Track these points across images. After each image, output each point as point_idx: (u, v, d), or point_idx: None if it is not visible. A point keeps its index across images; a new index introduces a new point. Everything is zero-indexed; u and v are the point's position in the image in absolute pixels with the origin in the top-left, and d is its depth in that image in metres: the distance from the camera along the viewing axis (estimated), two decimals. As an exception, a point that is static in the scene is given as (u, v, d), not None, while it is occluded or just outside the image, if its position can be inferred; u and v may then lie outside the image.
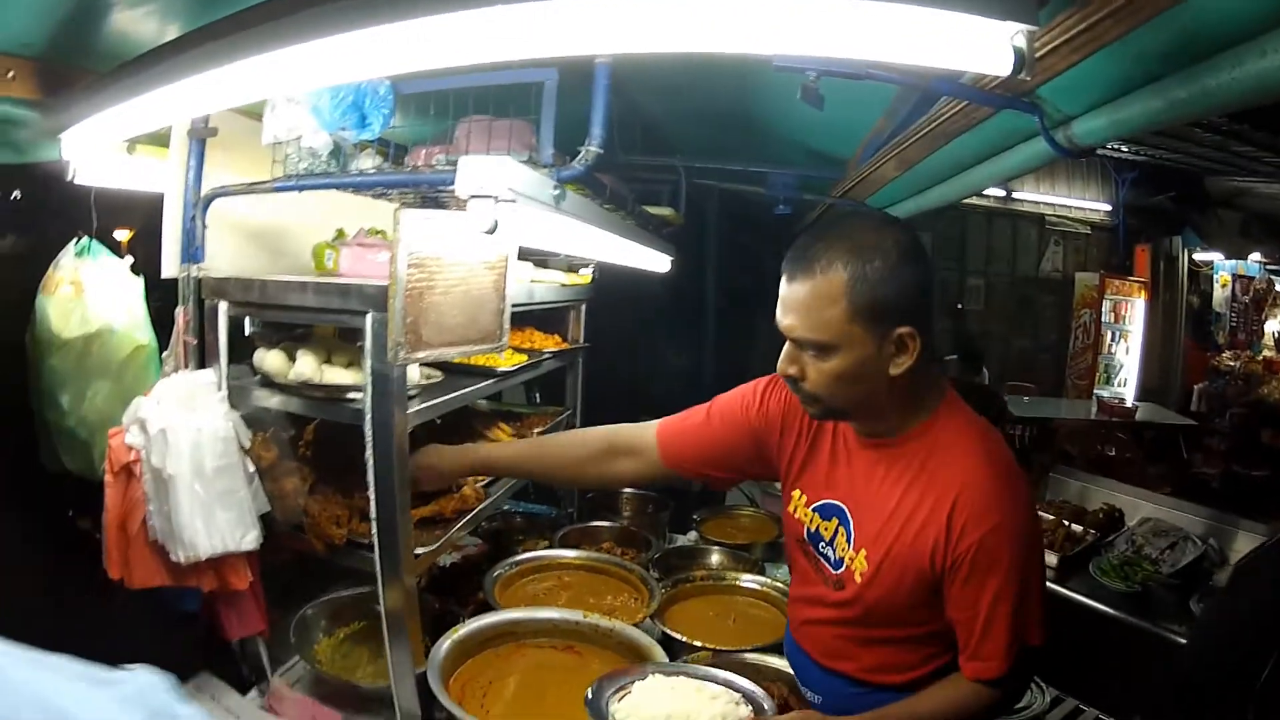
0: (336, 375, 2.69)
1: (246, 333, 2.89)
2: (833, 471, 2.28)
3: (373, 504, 2.48)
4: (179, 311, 2.80)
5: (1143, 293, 10.07)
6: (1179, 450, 7.92)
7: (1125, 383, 10.13)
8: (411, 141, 2.87)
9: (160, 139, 2.82)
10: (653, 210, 4.34)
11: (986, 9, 1.52)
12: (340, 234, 3.14)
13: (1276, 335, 11.05)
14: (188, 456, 2.45)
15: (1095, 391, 9.44)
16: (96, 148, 2.73)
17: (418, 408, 2.63)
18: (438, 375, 3.00)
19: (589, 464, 2.73)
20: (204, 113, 2.66)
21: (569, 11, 1.46)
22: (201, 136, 2.78)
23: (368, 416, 2.46)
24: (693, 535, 4.46)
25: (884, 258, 1.94)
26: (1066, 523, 4.74)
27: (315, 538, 2.65)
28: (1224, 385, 9.62)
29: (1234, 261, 10.62)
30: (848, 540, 2.18)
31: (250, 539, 2.57)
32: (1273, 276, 11.00)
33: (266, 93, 2.25)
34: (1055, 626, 2.09)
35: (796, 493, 2.37)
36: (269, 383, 2.78)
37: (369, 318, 2.40)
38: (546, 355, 3.95)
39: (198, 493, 2.45)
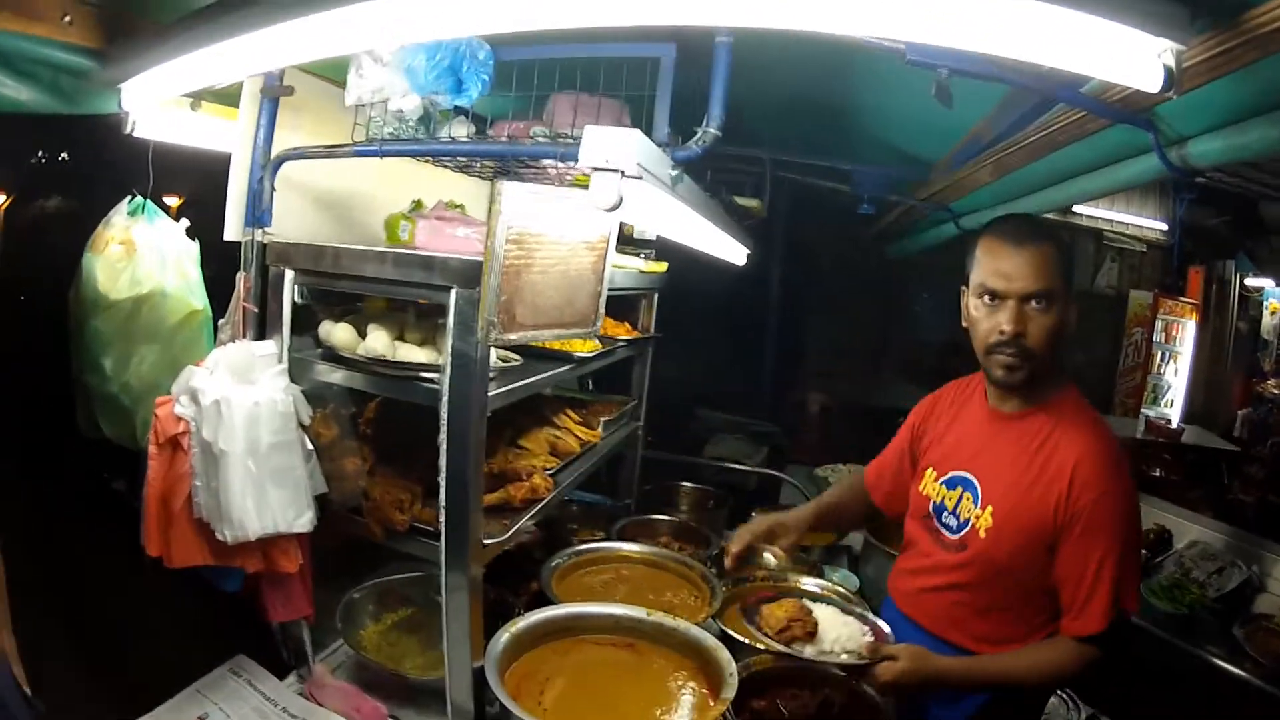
0: (411, 353, 2.53)
1: (300, 302, 2.71)
2: (963, 446, 2.49)
3: (443, 490, 2.34)
4: (240, 277, 2.66)
5: (1194, 315, 9.82)
6: (1220, 475, 7.75)
7: (1172, 404, 9.89)
8: (492, 114, 2.72)
9: (227, 97, 2.71)
10: (741, 201, 4.25)
11: (1142, 21, 1.52)
12: (418, 205, 3.00)
13: None
14: (242, 431, 2.31)
15: (1143, 410, 9.16)
16: (158, 102, 2.57)
17: (496, 391, 2.47)
18: (515, 358, 2.83)
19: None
20: (277, 67, 2.53)
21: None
22: (275, 95, 2.64)
23: (444, 398, 2.30)
24: None
25: (1066, 242, 2.34)
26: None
27: (375, 522, 2.53)
28: (1268, 413, 9.44)
29: None
30: (975, 502, 2.36)
31: (305, 520, 2.44)
32: None
33: (349, 47, 2.06)
34: (1102, 657, 2.22)
35: (929, 471, 2.56)
36: (335, 356, 2.62)
37: (453, 294, 2.24)
38: (621, 343, 3.83)
39: (250, 470, 2.31)
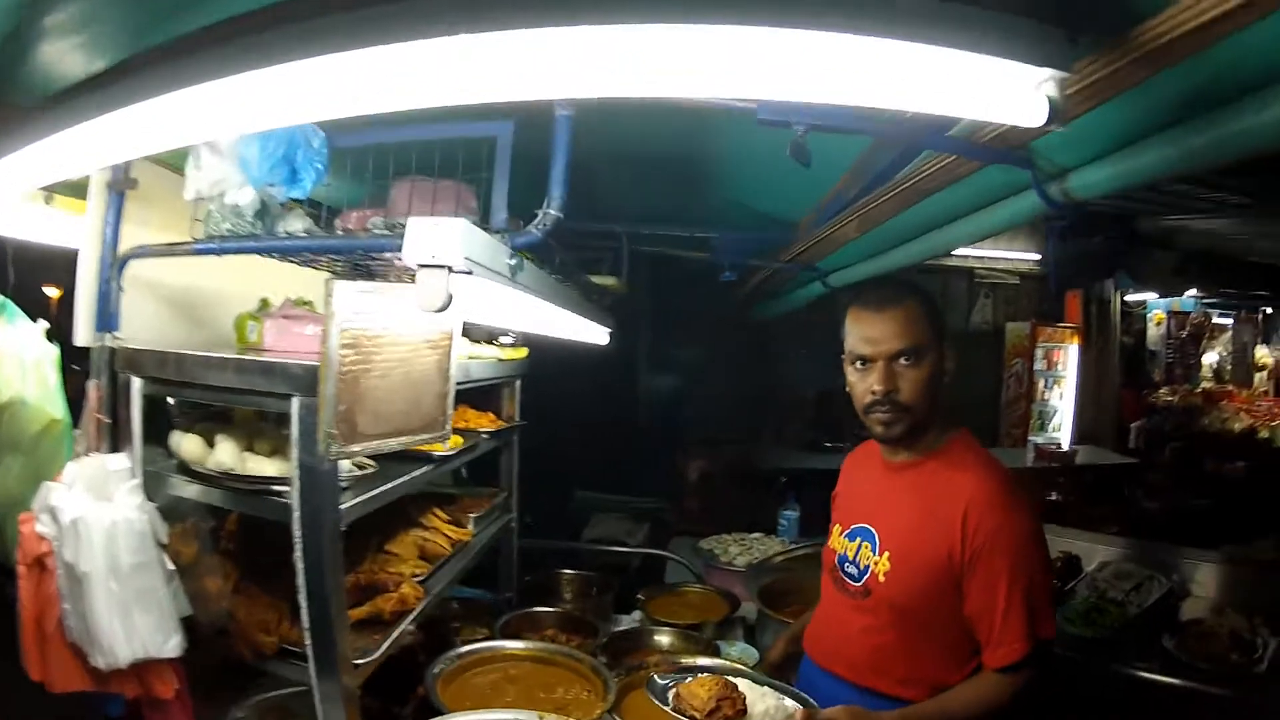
0: (260, 465, 2.34)
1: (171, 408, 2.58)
2: (862, 500, 2.53)
3: (304, 611, 2.11)
4: (90, 385, 2.47)
5: (1075, 338, 9.82)
6: (1120, 489, 7.61)
7: (1059, 428, 9.86)
8: (344, 203, 2.51)
9: (80, 189, 2.55)
10: (597, 279, 4.04)
11: (1017, 51, 1.37)
12: (265, 304, 2.79)
13: (1215, 367, 11.06)
14: (101, 552, 2.15)
15: (1030, 438, 9.09)
16: (11, 195, 2.47)
17: (351, 503, 2.24)
18: (370, 464, 2.60)
19: None
20: (123, 158, 2.32)
21: (530, 50, 1.26)
22: (121, 189, 2.48)
23: (295, 514, 2.06)
24: (637, 615, 4.00)
25: (928, 295, 2.39)
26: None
27: (243, 646, 2.31)
28: (1162, 421, 9.52)
29: (1167, 300, 10.58)
30: (872, 549, 2.36)
31: (173, 645, 2.25)
32: (1209, 310, 10.99)
33: (189, 136, 1.81)
34: (1029, 683, 2.19)
35: (836, 527, 2.58)
36: (186, 470, 2.43)
37: (295, 402, 2.02)
38: (484, 435, 3.58)
39: (114, 591, 2.15)
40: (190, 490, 2.40)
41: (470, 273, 1.54)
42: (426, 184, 2.19)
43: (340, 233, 2.26)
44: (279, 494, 2.20)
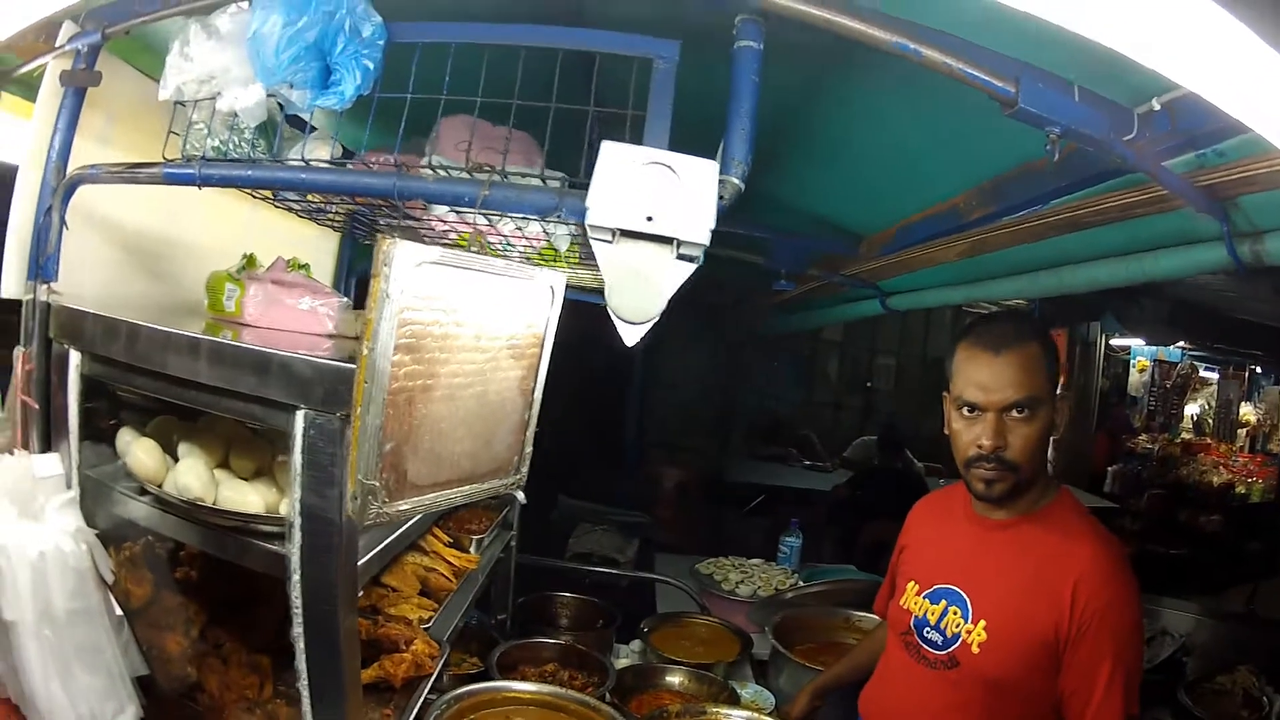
0: (238, 492, 1.65)
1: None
2: (946, 558, 2.21)
3: (305, 703, 1.51)
4: (18, 354, 1.85)
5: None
6: None
7: None
8: (363, 145, 1.73)
9: (33, 88, 1.91)
10: None
11: None
12: (250, 262, 2.08)
13: (1195, 418, 11.01)
14: (29, 594, 1.62)
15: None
16: None
17: (368, 556, 1.62)
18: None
19: None
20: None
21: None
22: (80, 84, 1.82)
23: (294, 574, 1.39)
24: (637, 645, 3.55)
25: (1049, 338, 2.11)
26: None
27: None
28: (1140, 467, 9.41)
29: (1154, 348, 10.44)
30: (964, 616, 2.07)
31: (128, 717, 1.75)
32: (1195, 362, 10.92)
33: None
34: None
35: (911, 585, 2.25)
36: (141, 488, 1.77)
37: (300, 418, 1.33)
38: None
39: (49, 641, 1.64)
40: (142, 513, 1.77)
41: (698, 261, 0.83)
42: (490, 128, 1.48)
43: (392, 168, 1.49)
44: (267, 538, 1.53)
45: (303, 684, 1.51)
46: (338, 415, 1.25)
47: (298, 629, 1.46)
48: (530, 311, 1.49)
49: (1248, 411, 10.73)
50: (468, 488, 1.45)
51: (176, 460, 1.75)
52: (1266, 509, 8.42)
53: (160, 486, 1.73)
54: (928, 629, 2.14)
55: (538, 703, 2.63)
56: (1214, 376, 10.89)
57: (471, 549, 2.86)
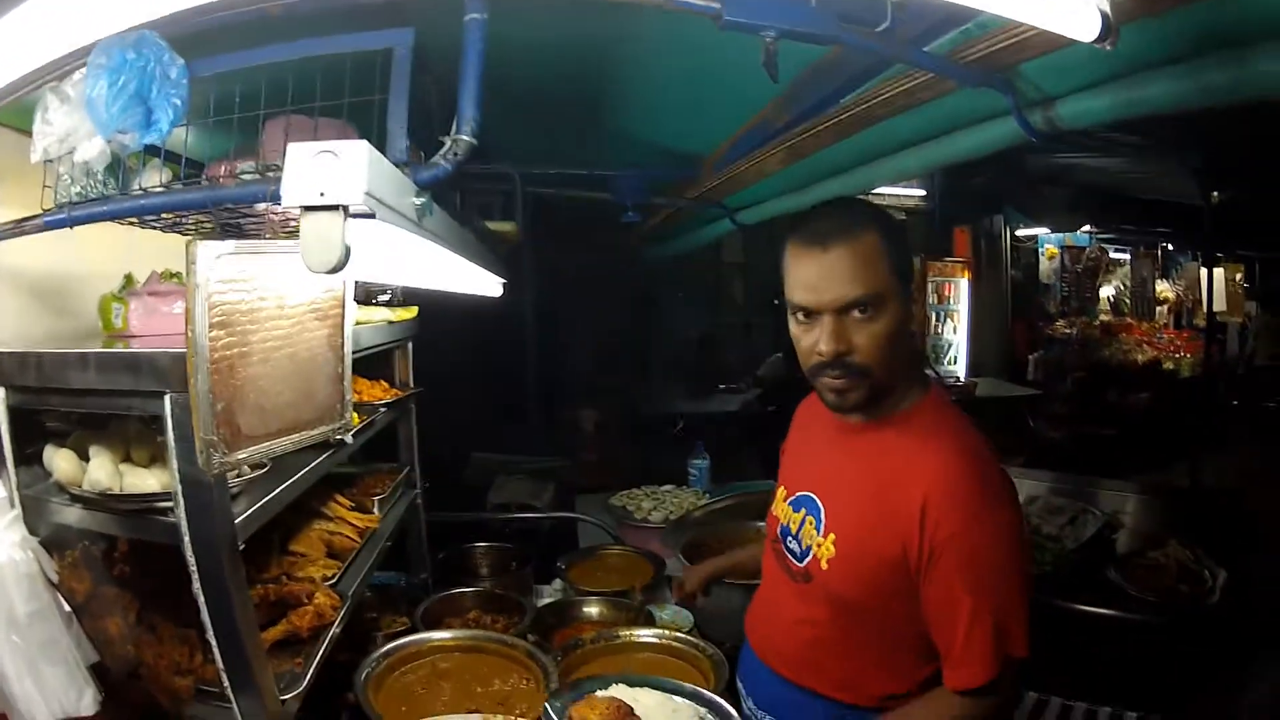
0: (139, 479, 1.81)
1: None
2: (809, 464, 2.03)
3: (216, 650, 1.68)
4: None
5: (965, 272, 9.32)
6: (1023, 420, 7.47)
7: (955, 360, 9.41)
8: (208, 156, 1.96)
9: None
10: (492, 226, 3.48)
11: None
12: (129, 281, 2.27)
13: (1112, 300, 10.85)
14: None
15: (925, 372, 8.81)
16: None
17: (246, 513, 1.74)
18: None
19: None
20: None
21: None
22: None
23: (185, 537, 1.58)
24: (559, 584, 3.58)
25: (899, 228, 1.86)
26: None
27: (158, 691, 1.89)
28: (1061, 352, 9.20)
29: (1061, 235, 10.27)
30: (816, 528, 1.88)
31: (87, 701, 1.86)
32: (1104, 246, 10.72)
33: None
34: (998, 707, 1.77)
35: (781, 490, 2.08)
36: (64, 492, 1.91)
37: (167, 401, 1.52)
38: (381, 408, 2.98)
39: (17, 645, 1.78)
40: (71, 516, 1.91)
41: (373, 215, 1.05)
42: (305, 121, 1.63)
43: (206, 185, 1.69)
44: (164, 512, 1.71)
45: (209, 634, 1.67)
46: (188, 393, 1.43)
47: (196, 584, 1.62)
48: (325, 278, 1.63)
49: (1164, 289, 10.76)
50: (297, 435, 1.65)
51: (88, 464, 1.88)
52: (1196, 383, 8.33)
53: (79, 487, 1.84)
54: (790, 538, 1.99)
55: (460, 648, 2.68)
56: (1125, 258, 10.81)
57: (374, 510, 2.88)
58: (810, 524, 1.89)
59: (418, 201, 1.32)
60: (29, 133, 1.95)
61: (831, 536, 1.82)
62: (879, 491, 1.77)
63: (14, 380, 1.88)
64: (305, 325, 1.61)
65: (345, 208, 1.03)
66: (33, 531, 1.89)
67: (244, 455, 1.45)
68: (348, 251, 1.05)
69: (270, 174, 1.49)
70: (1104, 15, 1.30)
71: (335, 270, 1.04)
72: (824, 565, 1.82)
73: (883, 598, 1.76)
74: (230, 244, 1.35)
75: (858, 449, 1.87)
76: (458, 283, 2.91)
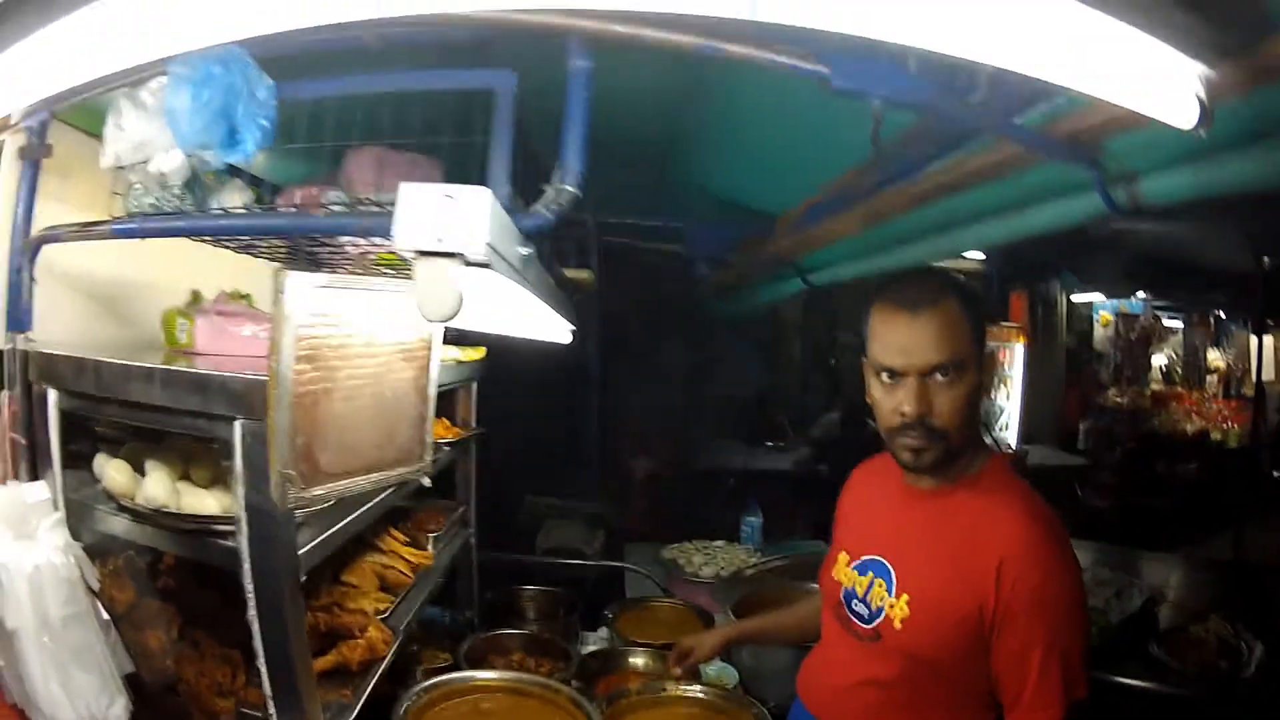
0: (197, 499, 1.83)
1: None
2: (874, 529, 2.04)
3: (265, 678, 1.68)
4: (3, 398, 2.01)
5: (1020, 337, 9.02)
6: (1071, 489, 7.35)
7: (1006, 427, 9.44)
8: (287, 180, 1.96)
9: None
10: (569, 273, 3.47)
11: (1180, 39, 1.20)
12: (196, 297, 2.28)
13: (1164, 369, 10.62)
14: (29, 604, 1.75)
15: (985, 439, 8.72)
16: None
17: (309, 546, 1.74)
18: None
19: None
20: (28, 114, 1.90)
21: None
22: (35, 157, 1.99)
23: (245, 564, 1.58)
24: (604, 632, 3.54)
25: (974, 293, 1.98)
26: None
27: (196, 710, 1.91)
28: (1111, 422, 9.01)
29: (1115, 301, 10.01)
30: (888, 589, 1.90)
31: (118, 710, 1.86)
32: (1158, 313, 10.44)
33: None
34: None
35: (842, 555, 2.08)
36: (114, 502, 1.93)
37: (239, 428, 1.52)
38: (444, 447, 3.00)
39: (48, 648, 1.77)
40: (119, 526, 1.94)
41: (488, 265, 1.02)
42: (395, 156, 1.66)
43: (292, 210, 1.70)
44: (223, 535, 1.72)
45: (260, 661, 1.66)
46: (264, 421, 1.43)
47: (252, 611, 1.62)
48: (417, 319, 1.64)
49: (1216, 358, 10.51)
50: (376, 475, 1.64)
51: (144, 477, 1.90)
52: (1243, 453, 8.11)
53: (132, 500, 1.86)
54: (855, 601, 2.00)
55: (503, 689, 2.66)
56: (1178, 325, 10.59)
57: (429, 547, 2.91)
58: (880, 586, 1.93)
59: (524, 251, 1.31)
60: (94, 134, 1.98)
61: (905, 597, 1.86)
62: (952, 552, 1.81)
63: (68, 384, 1.91)
64: (392, 365, 1.62)
65: (463, 256, 1.02)
66: (75, 537, 1.88)
67: (321, 492, 1.45)
68: (461, 300, 1.04)
69: (362, 208, 1.49)
70: (1201, 103, 1.30)
71: (448, 319, 1.03)
72: (897, 625, 1.85)
73: (955, 653, 1.81)
74: (322, 277, 1.35)
75: (928, 511, 1.91)
76: (536, 329, 2.94)
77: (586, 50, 1.40)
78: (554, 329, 3.02)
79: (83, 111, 2.00)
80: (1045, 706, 1.71)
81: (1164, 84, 1.30)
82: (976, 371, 1.82)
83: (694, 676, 2.84)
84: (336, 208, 1.55)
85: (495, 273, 1.09)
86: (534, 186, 1.45)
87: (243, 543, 1.59)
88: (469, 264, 1.03)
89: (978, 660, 1.79)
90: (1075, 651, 1.74)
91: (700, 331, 7.46)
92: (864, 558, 2.00)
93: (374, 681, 2.11)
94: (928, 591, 1.84)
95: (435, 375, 1.79)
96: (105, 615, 1.91)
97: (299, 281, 1.29)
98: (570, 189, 1.39)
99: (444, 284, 1.01)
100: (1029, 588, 1.71)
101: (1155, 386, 9.94)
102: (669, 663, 2.62)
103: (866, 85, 1.48)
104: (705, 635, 2.67)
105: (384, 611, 2.36)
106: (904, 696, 1.88)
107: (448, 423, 3.36)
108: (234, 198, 1.69)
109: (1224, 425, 8.71)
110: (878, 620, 1.90)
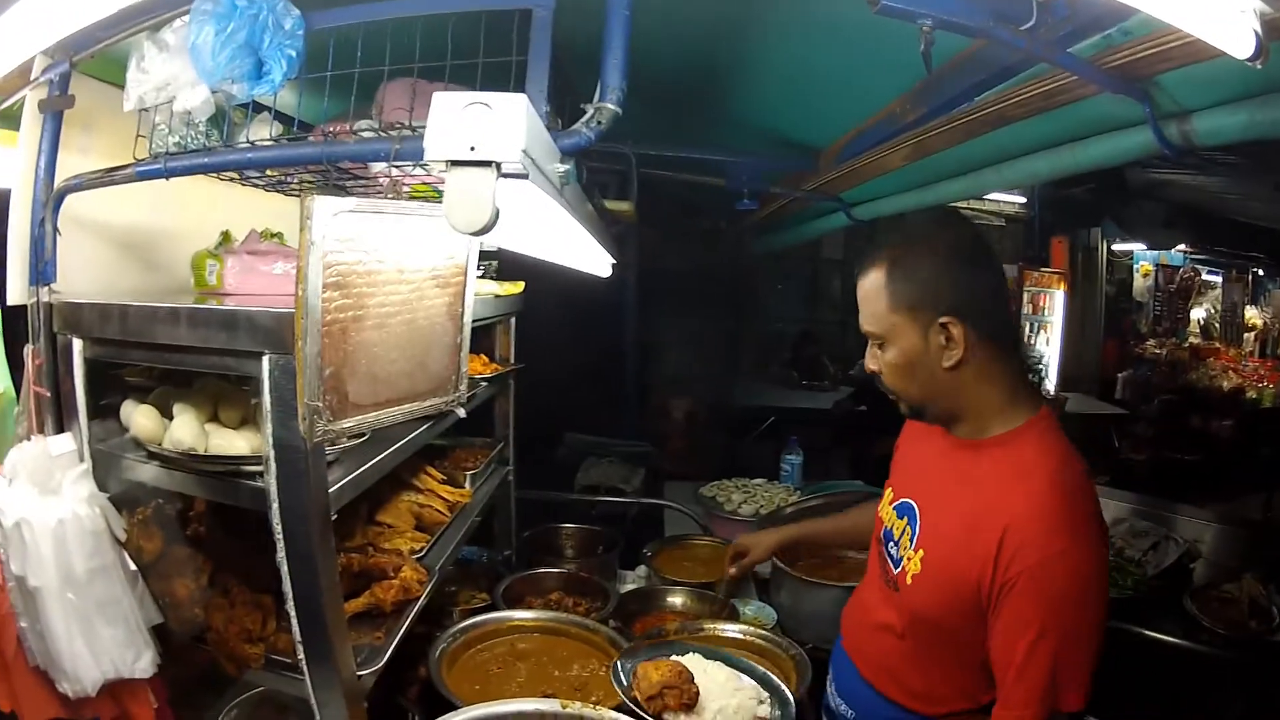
0: (226, 440, 1.83)
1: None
2: (918, 470, 2.04)
3: (294, 621, 1.66)
4: (28, 351, 1.98)
5: (1061, 284, 9.18)
6: (1108, 438, 7.38)
7: (1046, 374, 9.32)
8: (319, 117, 1.93)
9: (15, 119, 2.04)
10: (609, 204, 3.47)
11: None
12: (226, 238, 2.25)
13: (1202, 323, 10.56)
14: (52, 560, 1.75)
15: (1035, 391, 8.63)
16: None
17: (341, 483, 1.74)
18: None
19: None
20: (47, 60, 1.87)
21: None
22: (56, 109, 1.95)
23: (274, 504, 1.57)
24: (642, 570, 3.59)
25: (928, 252, 1.80)
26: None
27: (224, 658, 1.90)
28: (1149, 373, 9.04)
29: (1156, 252, 10.03)
30: (911, 539, 1.90)
31: (145, 663, 1.87)
32: (1198, 266, 10.43)
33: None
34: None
35: (889, 492, 2.12)
36: (142, 449, 1.93)
37: (266, 362, 1.51)
38: (482, 382, 2.95)
39: (72, 603, 1.77)
40: (147, 473, 1.91)
41: (525, 176, 1.00)
42: (428, 86, 1.59)
43: (322, 140, 1.69)
44: (251, 476, 1.71)
45: (289, 604, 1.65)
46: (291, 354, 1.41)
47: (281, 553, 1.61)
48: (449, 245, 1.65)
49: (1253, 315, 10.45)
50: (408, 405, 1.61)
51: (171, 422, 1.89)
52: (1277, 413, 8.19)
53: (160, 446, 1.85)
54: (891, 544, 1.99)
55: (540, 629, 2.70)
56: (1217, 280, 10.51)
57: (466, 484, 2.88)
58: (907, 535, 1.91)
59: (561, 168, 1.29)
60: (117, 84, 1.98)
61: (921, 553, 1.84)
62: (969, 516, 1.74)
63: (94, 332, 1.89)
64: (424, 292, 1.59)
65: (498, 165, 1.00)
66: (102, 487, 1.88)
67: (350, 424, 1.43)
68: (497, 213, 1.02)
69: (392, 132, 1.47)
70: (1257, 34, 1.28)
71: (483, 231, 1.01)
72: (908, 580, 1.85)
73: (954, 622, 1.75)
74: (350, 201, 1.32)
75: (957, 464, 1.86)
76: (576, 258, 2.92)
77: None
78: (594, 259, 3.00)
79: (104, 62, 1.99)
80: (1020, 705, 1.60)
81: (1222, 9, 1.29)
82: (911, 341, 1.78)
83: (733, 616, 2.88)
84: (367, 134, 1.52)
85: (532, 186, 1.07)
86: (572, 118, 1.43)
87: (271, 482, 1.58)
88: (504, 175, 1.00)
89: (977, 631, 1.71)
90: (1075, 652, 1.60)
91: (740, 268, 7.45)
92: (901, 500, 2.00)
93: (408, 623, 2.09)
94: (939, 551, 1.80)
95: (470, 302, 1.77)
96: (132, 566, 1.91)
97: (327, 206, 1.27)
98: (611, 106, 1.37)
99: (478, 194, 0.99)
100: (1027, 564, 1.60)
101: (1193, 340, 9.93)
102: (725, 561, 2.75)
103: (914, 4, 1.45)
104: (762, 534, 2.78)
105: (419, 551, 2.35)
106: (910, 649, 1.87)
107: (485, 359, 3.35)
108: (262, 131, 1.67)
109: (1259, 384, 8.73)
110: (899, 569, 1.91)
